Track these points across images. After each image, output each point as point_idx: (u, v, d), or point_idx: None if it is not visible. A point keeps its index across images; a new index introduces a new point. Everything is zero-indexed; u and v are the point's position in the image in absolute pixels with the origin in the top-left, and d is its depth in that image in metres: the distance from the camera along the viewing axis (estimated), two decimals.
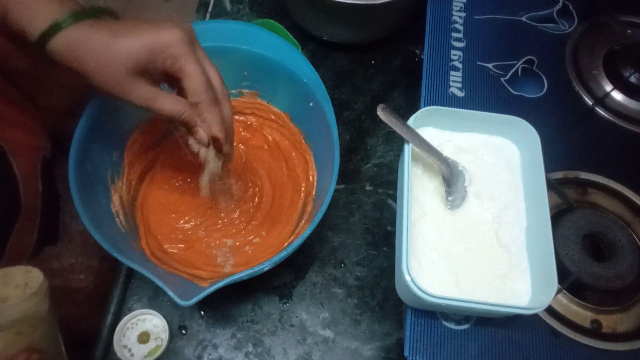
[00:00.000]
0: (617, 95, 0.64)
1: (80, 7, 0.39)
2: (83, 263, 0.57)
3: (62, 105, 0.56)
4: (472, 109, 0.54)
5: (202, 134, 0.43)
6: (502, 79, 0.65)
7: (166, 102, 0.40)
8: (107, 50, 0.38)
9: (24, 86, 0.50)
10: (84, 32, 0.38)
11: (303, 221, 0.55)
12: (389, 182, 0.64)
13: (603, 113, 0.64)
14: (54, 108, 0.55)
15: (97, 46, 0.38)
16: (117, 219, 0.51)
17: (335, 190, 0.61)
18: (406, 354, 0.49)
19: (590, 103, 0.64)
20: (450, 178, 0.52)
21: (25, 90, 0.50)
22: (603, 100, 0.64)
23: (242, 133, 0.63)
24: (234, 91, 0.59)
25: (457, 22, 0.69)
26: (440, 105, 0.58)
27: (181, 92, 0.42)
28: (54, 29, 0.37)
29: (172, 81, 0.43)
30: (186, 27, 0.40)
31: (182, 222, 0.58)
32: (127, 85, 0.39)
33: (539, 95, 0.64)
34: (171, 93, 0.41)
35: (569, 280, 0.51)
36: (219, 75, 0.43)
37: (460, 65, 0.65)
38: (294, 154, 0.60)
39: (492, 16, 0.70)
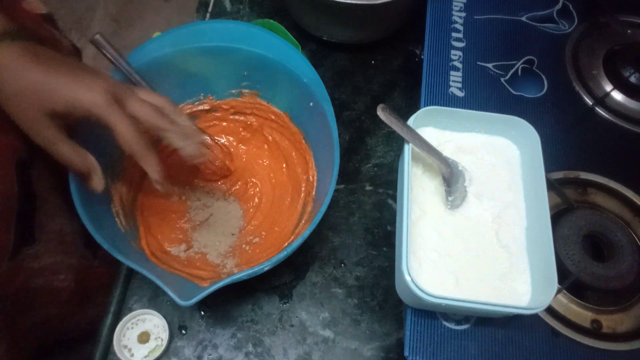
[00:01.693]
0: (617, 95, 0.64)
1: (16, 26, 0.39)
2: (63, 262, 0.57)
3: None
4: (472, 109, 0.54)
5: (94, 187, 0.44)
6: (502, 79, 0.65)
7: (64, 151, 0.41)
8: (32, 87, 0.38)
9: None
10: (16, 54, 0.38)
11: (303, 221, 0.55)
12: (389, 182, 0.64)
13: (603, 113, 0.64)
14: None
15: (25, 78, 0.38)
16: (117, 219, 0.51)
17: (335, 190, 0.61)
18: (406, 354, 0.49)
19: (590, 103, 0.64)
20: (450, 178, 0.52)
21: None
22: (603, 100, 0.64)
23: (242, 133, 0.63)
24: (234, 91, 0.59)
25: (457, 22, 0.69)
26: (440, 105, 0.58)
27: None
28: None
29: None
30: (110, 86, 0.41)
31: (182, 222, 0.58)
32: (36, 125, 0.39)
33: (539, 95, 0.64)
34: (73, 144, 0.42)
35: (569, 280, 0.51)
36: (151, 112, 0.43)
37: (460, 65, 0.65)
38: (294, 154, 0.60)
39: (492, 16, 0.70)
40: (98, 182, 0.44)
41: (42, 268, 0.54)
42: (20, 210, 0.50)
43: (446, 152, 0.53)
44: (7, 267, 0.50)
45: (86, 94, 0.39)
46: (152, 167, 0.44)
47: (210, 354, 0.54)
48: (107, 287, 0.56)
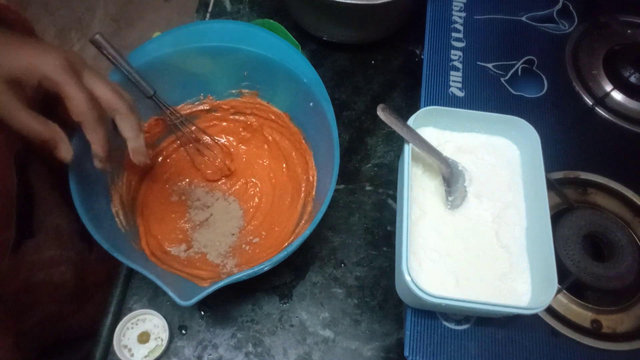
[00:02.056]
0: (617, 95, 0.64)
1: None
2: (62, 255, 0.58)
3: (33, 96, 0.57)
4: (472, 109, 0.54)
5: (61, 155, 0.43)
6: (502, 79, 0.65)
7: (23, 119, 0.40)
8: None
9: None
10: None
11: (303, 221, 0.55)
12: (389, 182, 0.64)
13: (603, 113, 0.64)
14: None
15: None
16: (117, 219, 0.51)
17: (335, 190, 0.61)
18: (406, 354, 0.49)
19: (590, 103, 0.64)
20: (450, 178, 0.52)
21: None
22: (603, 100, 0.64)
23: (242, 133, 0.63)
24: (234, 91, 0.59)
25: (457, 22, 0.69)
26: (440, 105, 0.58)
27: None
28: None
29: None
30: (69, 54, 0.41)
31: (182, 222, 0.58)
32: None
33: (539, 95, 0.64)
34: (34, 113, 0.41)
35: (569, 280, 0.51)
36: (110, 93, 0.43)
37: (460, 65, 0.65)
38: (294, 154, 0.60)
39: (492, 16, 0.70)
40: (66, 150, 0.42)
41: (42, 261, 0.55)
42: (19, 205, 0.50)
43: (446, 152, 0.53)
44: (10, 262, 0.50)
45: (41, 59, 0.39)
46: (98, 141, 0.42)
47: (210, 354, 0.54)
48: (106, 286, 0.57)
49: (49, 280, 0.57)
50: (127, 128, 0.45)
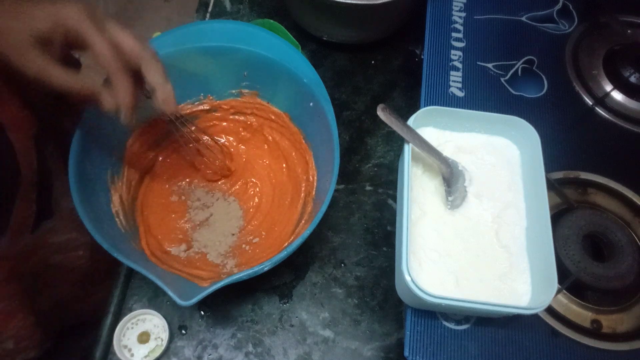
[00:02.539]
0: (617, 95, 0.64)
1: None
2: (78, 239, 0.59)
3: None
4: (472, 109, 0.54)
5: (109, 104, 0.42)
6: (502, 79, 0.65)
7: (60, 77, 0.40)
8: (12, 14, 0.38)
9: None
10: None
11: (303, 221, 0.55)
12: (389, 182, 0.64)
13: (603, 113, 0.64)
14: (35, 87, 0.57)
15: (2, 9, 0.38)
16: (117, 219, 0.51)
17: (335, 190, 0.62)
18: (406, 354, 0.49)
19: (590, 103, 0.64)
20: (450, 178, 0.52)
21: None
22: (603, 100, 0.64)
23: (242, 133, 0.63)
24: (234, 91, 0.59)
25: (457, 22, 0.69)
26: (440, 105, 0.58)
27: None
28: None
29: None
30: (87, 5, 0.41)
31: (182, 222, 0.58)
32: (24, 52, 0.39)
33: (539, 95, 0.64)
34: (68, 69, 0.41)
35: (569, 280, 0.51)
36: (133, 40, 0.43)
37: (460, 65, 0.65)
38: (294, 154, 0.60)
39: (492, 16, 0.70)
40: (108, 101, 0.42)
41: (59, 243, 0.56)
42: (39, 183, 0.51)
43: (446, 152, 0.53)
44: (30, 241, 0.52)
45: (63, 12, 0.39)
46: (125, 90, 0.42)
47: (210, 354, 0.54)
48: (114, 270, 0.57)
49: (66, 263, 0.58)
50: (155, 74, 0.44)
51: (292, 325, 0.56)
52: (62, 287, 0.60)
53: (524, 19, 0.70)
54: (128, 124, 0.44)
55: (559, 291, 0.50)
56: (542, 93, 0.65)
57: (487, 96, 0.63)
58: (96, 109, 0.44)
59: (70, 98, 0.41)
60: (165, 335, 0.53)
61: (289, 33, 0.64)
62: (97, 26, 0.40)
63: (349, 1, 0.61)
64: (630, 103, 0.64)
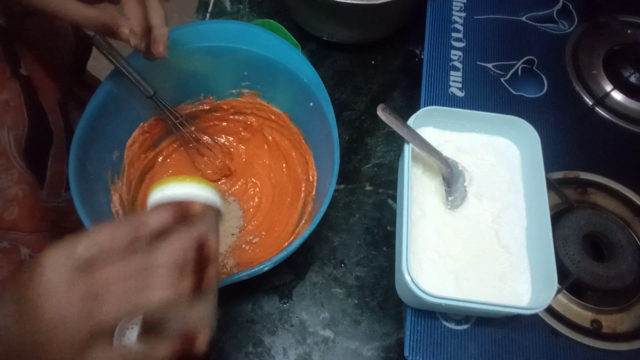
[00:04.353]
0: (617, 95, 0.64)
1: None
2: None
3: (70, 51, 0.61)
4: (472, 109, 0.54)
5: (126, 34, 0.43)
6: (502, 79, 0.65)
7: (75, 7, 0.41)
8: None
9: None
10: None
11: (303, 221, 0.55)
12: (389, 182, 0.64)
13: (603, 113, 0.64)
14: (61, 53, 0.59)
15: None
16: (117, 219, 0.51)
17: (335, 190, 0.62)
18: (406, 354, 0.49)
19: (590, 103, 0.64)
20: (450, 178, 0.52)
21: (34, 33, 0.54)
22: (603, 100, 0.64)
23: (242, 133, 0.63)
24: (234, 91, 0.59)
25: (457, 22, 0.69)
26: (440, 105, 0.58)
27: None
28: None
29: None
30: None
31: None
32: None
33: (539, 95, 0.64)
34: (86, 3, 0.42)
35: (569, 280, 0.51)
36: None
37: (460, 65, 0.65)
38: (294, 154, 0.60)
39: (492, 16, 0.70)
40: (126, 33, 0.43)
41: None
42: (68, 145, 0.52)
43: (446, 152, 0.53)
44: (65, 197, 0.54)
45: None
46: (135, 15, 0.43)
47: (210, 354, 0.54)
48: None
49: None
50: (155, 16, 0.45)
51: (292, 325, 0.56)
52: None
53: (524, 19, 0.70)
54: (137, 47, 0.45)
55: (559, 291, 0.50)
56: (542, 93, 0.65)
57: (487, 96, 0.63)
58: (98, 108, 0.44)
59: (90, 29, 0.43)
60: None
61: (289, 33, 0.64)
62: None
63: (349, 1, 0.61)
64: (630, 103, 0.64)
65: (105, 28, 0.42)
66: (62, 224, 0.53)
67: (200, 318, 0.34)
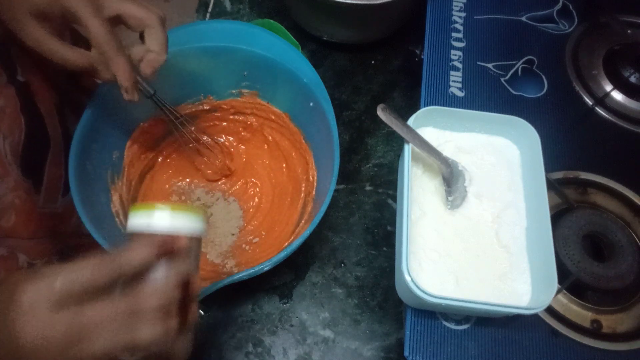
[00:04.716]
0: (617, 95, 0.64)
1: None
2: None
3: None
4: (472, 109, 0.54)
5: (107, 78, 0.44)
6: (502, 79, 0.65)
7: (57, 49, 0.41)
8: None
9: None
10: None
11: (303, 221, 0.55)
12: (389, 182, 0.64)
13: (603, 113, 0.64)
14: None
15: None
16: (117, 219, 0.51)
17: (335, 190, 0.61)
18: (406, 354, 0.49)
19: (590, 103, 0.64)
20: (450, 178, 0.52)
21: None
22: (603, 100, 0.64)
23: (242, 133, 0.63)
24: (234, 91, 0.59)
25: (457, 22, 0.69)
26: (440, 105, 0.58)
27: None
28: None
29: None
30: None
31: None
32: (23, 24, 0.40)
33: (539, 95, 0.64)
34: (66, 43, 0.42)
35: (569, 280, 0.51)
36: (137, 7, 0.44)
37: (460, 65, 0.65)
38: (294, 154, 0.60)
39: (492, 16, 0.70)
40: (105, 72, 0.44)
41: None
42: (65, 149, 0.53)
43: (446, 152, 0.53)
44: (62, 203, 0.53)
45: None
46: (122, 71, 0.43)
47: (210, 354, 0.54)
48: None
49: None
50: (154, 42, 0.45)
51: (292, 325, 0.56)
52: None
53: (524, 19, 0.70)
54: (131, 101, 0.45)
55: (559, 291, 0.50)
56: (542, 93, 0.65)
57: (487, 96, 0.63)
58: (97, 108, 0.44)
59: (70, 69, 0.43)
60: None
61: (289, 33, 0.64)
62: (93, 10, 0.41)
63: (349, 1, 0.61)
64: (630, 103, 0.64)
65: (85, 71, 0.43)
66: (59, 229, 0.53)
67: (179, 349, 0.35)
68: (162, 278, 0.33)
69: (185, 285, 0.34)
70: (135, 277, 0.32)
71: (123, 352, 0.30)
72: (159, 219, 0.33)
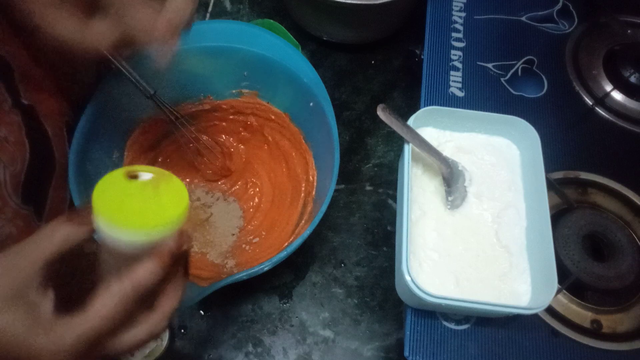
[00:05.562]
0: (617, 95, 0.64)
1: None
2: None
3: (89, 81, 0.58)
4: (472, 109, 0.54)
5: (141, 40, 0.41)
6: (502, 79, 0.65)
7: (68, 29, 0.39)
8: None
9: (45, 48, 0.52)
10: None
11: (303, 221, 0.55)
12: (389, 182, 0.64)
13: (603, 113, 0.64)
14: (73, 73, 0.57)
15: None
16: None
17: (335, 190, 0.61)
18: (406, 354, 0.49)
19: (590, 103, 0.64)
20: (450, 178, 0.52)
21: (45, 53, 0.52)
22: (603, 100, 0.64)
23: (242, 133, 0.63)
24: (234, 91, 0.59)
25: (457, 22, 0.69)
26: (440, 105, 0.58)
27: None
28: None
29: None
30: None
31: None
32: (43, 13, 0.38)
33: (539, 95, 0.64)
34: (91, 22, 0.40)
35: (569, 280, 0.51)
36: None
37: (460, 65, 0.65)
38: (294, 154, 0.60)
39: (492, 16, 0.70)
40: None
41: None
42: None
43: (446, 152, 0.53)
44: None
45: None
46: (144, 14, 0.40)
47: (210, 354, 0.54)
48: None
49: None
50: (174, 6, 0.41)
51: (292, 325, 0.56)
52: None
53: (524, 19, 0.70)
54: (165, 58, 0.43)
55: (559, 291, 0.50)
56: (542, 93, 0.65)
57: (487, 96, 0.63)
58: (98, 108, 0.44)
59: (99, 55, 0.41)
60: (165, 335, 0.52)
61: (289, 33, 0.64)
62: None
63: (349, 1, 0.61)
64: (630, 103, 0.64)
65: (121, 47, 0.41)
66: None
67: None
68: (173, 289, 0.34)
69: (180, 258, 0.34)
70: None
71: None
72: (130, 235, 0.30)
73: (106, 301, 0.30)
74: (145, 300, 0.32)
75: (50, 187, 0.50)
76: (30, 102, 0.47)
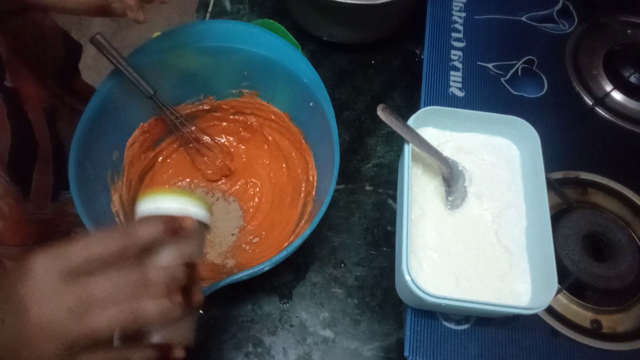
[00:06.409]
0: (617, 95, 0.64)
1: None
2: None
3: (59, 56, 0.60)
4: (472, 109, 0.54)
5: (120, 8, 0.43)
6: (502, 79, 0.65)
7: None
8: None
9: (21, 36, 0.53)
10: None
11: (303, 221, 0.55)
12: (389, 182, 0.64)
13: (603, 113, 0.64)
14: (49, 59, 0.58)
15: None
16: (117, 219, 0.51)
17: (335, 190, 0.61)
18: (406, 354, 0.49)
19: (590, 103, 0.64)
20: (450, 178, 0.52)
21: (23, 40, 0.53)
22: (603, 100, 0.64)
23: (242, 133, 0.63)
24: (234, 91, 0.59)
25: (457, 22, 0.69)
26: (440, 105, 0.58)
27: None
28: None
29: None
30: None
31: None
32: None
33: (539, 95, 0.64)
34: None
35: (569, 280, 0.51)
36: None
37: (460, 65, 0.65)
38: (294, 154, 0.60)
39: (492, 16, 0.70)
40: (120, 7, 0.43)
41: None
42: (54, 155, 0.53)
43: (446, 152, 0.53)
44: (52, 209, 0.53)
45: None
46: None
47: (210, 354, 0.54)
48: None
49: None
50: None
51: (292, 325, 0.56)
52: None
53: (524, 19, 0.70)
54: (137, 19, 0.44)
55: (559, 291, 0.50)
56: (542, 93, 0.65)
57: (487, 96, 0.63)
58: (97, 108, 0.44)
59: (83, 13, 0.42)
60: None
61: (289, 33, 0.64)
62: None
63: (349, 1, 0.61)
64: (630, 103, 0.64)
65: (97, 9, 0.42)
66: (48, 235, 0.53)
67: (181, 334, 0.35)
68: (169, 255, 0.34)
69: (191, 268, 0.34)
70: (143, 253, 0.32)
71: (128, 325, 0.30)
72: (166, 201, 0.35)
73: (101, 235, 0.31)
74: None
75: (34, 170, 0.50)
76: (14, 85, 0.48)
